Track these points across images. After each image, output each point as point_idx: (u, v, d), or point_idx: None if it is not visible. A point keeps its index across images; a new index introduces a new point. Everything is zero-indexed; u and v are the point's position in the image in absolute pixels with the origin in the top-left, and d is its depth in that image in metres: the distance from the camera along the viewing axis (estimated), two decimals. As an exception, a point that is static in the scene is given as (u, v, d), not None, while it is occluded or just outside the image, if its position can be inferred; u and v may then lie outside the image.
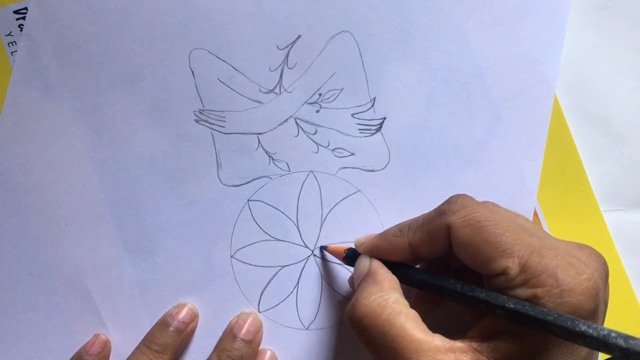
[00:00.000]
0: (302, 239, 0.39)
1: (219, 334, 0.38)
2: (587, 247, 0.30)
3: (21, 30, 0.39)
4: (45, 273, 0.38)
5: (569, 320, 0.25)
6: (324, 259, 0.39)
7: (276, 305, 0.38)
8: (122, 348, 0.38)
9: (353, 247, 0.35)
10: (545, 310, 0.26)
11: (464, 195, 0.31)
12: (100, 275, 0.38)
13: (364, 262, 0.33)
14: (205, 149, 0.39)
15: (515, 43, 0.40)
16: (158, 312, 0.38)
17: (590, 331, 0.25)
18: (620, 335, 0.24)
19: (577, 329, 0.25)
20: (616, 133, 0.41)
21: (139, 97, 0.39)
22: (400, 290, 0.31)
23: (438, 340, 0.28)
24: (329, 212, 0.39)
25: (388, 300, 0.29)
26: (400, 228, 0.33)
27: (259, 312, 0.38)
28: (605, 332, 0.25)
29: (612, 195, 0.41)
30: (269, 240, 0.39)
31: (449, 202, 0.31)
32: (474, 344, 0.28)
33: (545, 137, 0.40)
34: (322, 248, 0.39)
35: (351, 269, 0.36)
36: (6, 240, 0.38)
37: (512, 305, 0.27)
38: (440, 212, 0.31)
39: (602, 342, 0.24)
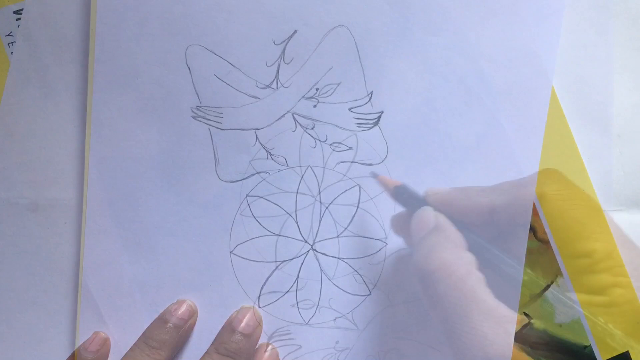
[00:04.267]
0: (301, 233, 0.39)
1: (218, 330, 0.38)
2: None
3: (19, 30, 0.39)
4: (45, 272, 0.38)
5: None
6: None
7: (276, 301, 0.38)
8: (121, 345, 0.38)
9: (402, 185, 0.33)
10: None
11: (557, 170, 0.30)
12: (99, 273, 0.38)
13: (429, 214, 0.32)
14: (202, 146, 0.39)
15: (513, 36, 0.40)
16: (158, 309, 0.38)
17: None
18: None
19: None
20: (616, 133, 0.41)
21: (136, 94, 0.39)
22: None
23: (503, 309, 0.27)
24: (327, 207, 0.39)
25: (463, 259, 0.28)
26: (482, 188, 0.31)
27: (259, 307, 0.38)
28: None
29: (612, 195, 0.41)
30: (268, 235, 0.39)
31: (542, 172, 0.30)
32: None
33: (543, 129, 0.40)
34: (373, 174, 0.36)
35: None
36: (6, 240, 0.38)
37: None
38: (532, 180, 0.29)
39: None
